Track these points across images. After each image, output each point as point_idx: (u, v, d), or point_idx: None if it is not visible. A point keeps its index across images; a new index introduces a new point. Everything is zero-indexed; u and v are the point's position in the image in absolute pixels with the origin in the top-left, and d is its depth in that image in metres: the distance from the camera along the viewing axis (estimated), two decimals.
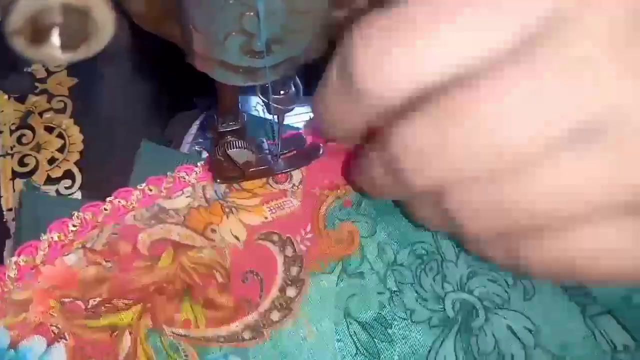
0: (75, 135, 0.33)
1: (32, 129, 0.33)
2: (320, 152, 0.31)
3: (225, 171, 0.29)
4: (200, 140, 0.33)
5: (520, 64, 0.17)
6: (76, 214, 0.28)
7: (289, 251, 0.28)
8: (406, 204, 0.26)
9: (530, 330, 0.27)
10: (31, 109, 0.34)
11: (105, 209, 0.28)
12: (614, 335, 0.27)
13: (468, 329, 0.27)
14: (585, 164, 0.17)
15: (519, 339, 0.27)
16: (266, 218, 0.29)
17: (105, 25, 0.13)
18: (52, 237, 0.27)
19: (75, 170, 0.32)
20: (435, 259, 0.29)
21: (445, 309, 0.27)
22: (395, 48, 0.18)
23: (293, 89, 0.26)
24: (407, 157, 0.20)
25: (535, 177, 0.18)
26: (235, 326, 0.26)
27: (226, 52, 0.21)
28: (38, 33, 0.12)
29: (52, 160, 0.32)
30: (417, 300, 0.28)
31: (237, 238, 0.28)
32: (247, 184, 0.30)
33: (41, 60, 0.13)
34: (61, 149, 0.32)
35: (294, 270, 0.28)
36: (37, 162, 0.32)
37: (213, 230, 0.28)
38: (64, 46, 0.13)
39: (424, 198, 0.22)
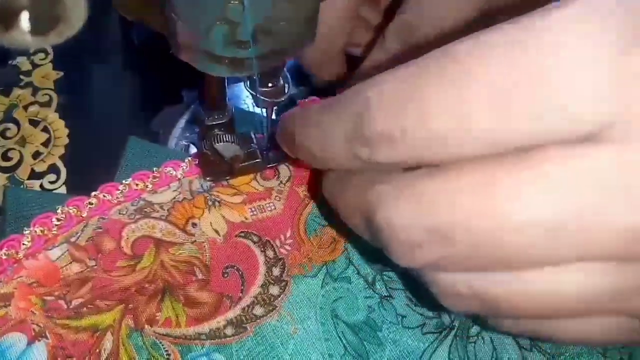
0: (61, 129, 0.32)
1: (17, 123, 0.32)
2: None
3: (212, 165, 0.28)
4: (188, 134, 0.32)
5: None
6: (61, 208, 0.27)
7: (270, 253, 0.27)
8: None
9: None
10: (16, 102, 0.33)
11: (90, 203, 0.27)
12: None
13: (465, 335, 0.26)
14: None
15: (516, 342, 0.26)
16: (246, 219, 0.28)
17: (76, 10, 0.13)
18: (35, 231, 0.26)
19: (60, 164, 0.31)
20: None
21: (440, 316, 0.27)
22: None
23: (281, 81, 0.26)
24: (395, 242, 0.18)
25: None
26: (216, 322, 0.25)
27: (210, 42, 0.20)
28: (6, 18, 0.12)
29: (36, 155, 0.31)
30: (408, 306, 0.27)
31: (217, 232, 0.27)
32: (233, 180, 0.29)
33: (10, 46, 0.12)
34: (46, 143, 0.31)
35: (276, 271, 0.27)
36: (22, 156, 0.31)
37: (194, 225, 0.28)
38: (34, 31, 0.13)
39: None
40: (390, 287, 0.27)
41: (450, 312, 0.25)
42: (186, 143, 0.31)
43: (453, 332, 0.26)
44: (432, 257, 0.18)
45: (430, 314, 0.27)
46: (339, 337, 0.25)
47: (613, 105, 0.15)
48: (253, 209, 0.28)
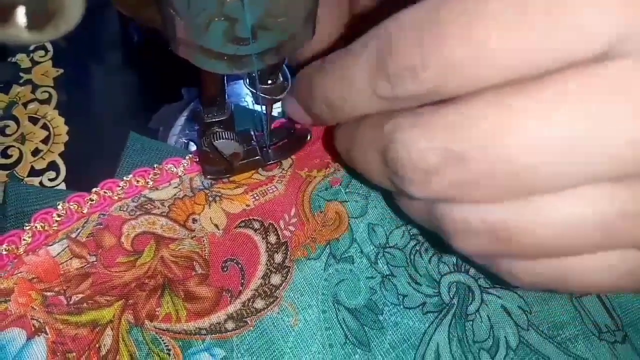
0: (60, 126, 0.32)
1: (16, 120, 0.32)
2: (309, 138, 0.30)
3: (212, 163, 0.28)
4: (187, 131, 0.31)
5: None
6: (61, 204, 0.27)
7: (272, 238, 0.27)
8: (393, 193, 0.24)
9: (524, 310, 0.27)
10: (15, 100, 0.33)
11: (91, 200, 0.27)
12: (598, 317, 0.27)
13: (463, 313, 0.26)
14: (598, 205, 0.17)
15: (513, 320, 0.26)
16: (248, 206, 0.28)
17: (73, 4, 0.12)
18: (36, 227, 0.26)
19: (60, 162, 0.30)
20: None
21: (440, 293, 0.26)
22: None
23: (281, 78, 0.25)
24: (411, 171, 0.18)
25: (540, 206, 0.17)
26: (216, 317, 0.25)
27: (209, 39, 0.20)
28: (1, 12, 0.12)
29: (36, 152, 0.31)
30: (410, 285, 0.26)
31: (216, 226, 0.27)
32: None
33: (6, 41, 0.12)
34: (45, 140, 0.31)
35: (278, 258, 0.27)
36: (21, 153, 0.30)
37: (194, 220, 0.27)
38: (30, 26, 0.12)
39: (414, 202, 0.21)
40: (392, 265, 0.27)
41: (462, 257, 0.25)
42: (186, 140, 0.31)
43: (452, 311, 0.26)
44: (447, 183, 0.18)
45: (431, 291, 0.26)
46: (340, 324, 0.25)
47: (627, 19, 0.15)
48: (255, 195, 0.28)
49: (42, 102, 0.33)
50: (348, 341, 0.25)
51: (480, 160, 0.17)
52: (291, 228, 0.28)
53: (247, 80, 0.25)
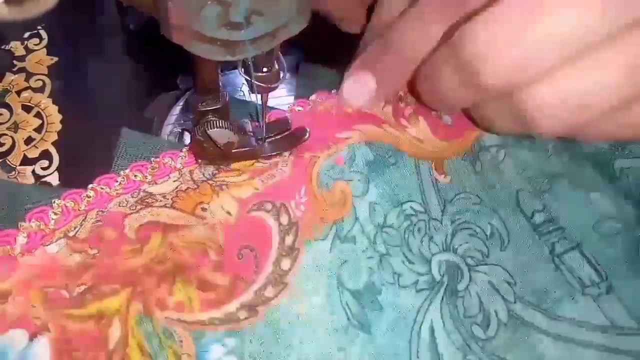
0: (54, 115, 0.30)
1: (9, 108, 0.30)
2: (306, 136, 0.28)
3: (206, 152, 0.26)
4: (182, 121, 0.30)
5: None
6: (57, 201, 0.25)
7: (284, 219, 0.26)
8: (473, 109, 0.26)
9: (509, 283, 0.27)
10: (8, 88, 0.31)
11: (88, 196, 0.25)
12: (581, 272, 0.27)
13: (454, 291, 0.26)
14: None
15: (501, 295, 0.26)
16: (257, 189, 0.26)
17: None
18: (31, 226, 0.24)
19: (53, 150, 0.29)
20: (423, 219, 0.27)
21: (431, 271, 0.26)
22: None
23: (276, 66, 0.24)
24: (482, 59, 0.20)
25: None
26: (230, 306, 0.23)
27: (202, 23, 0.19)
28: None
29: (29, 140, 0.29)
30: (404, 263, 0.26)
31: (228, 213, 0.26)
32: (235, 163, 0.28)
33: None
34: (39, 129, 0.30)
35: (289, 240, 0.26)
36: (14, 141, 0.29)
37: (204, 209, 0.26)
38: (8, 1, 0.12)
39: (494, 102, 0.23)
40: (388, 244, 0.27)
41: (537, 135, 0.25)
42: (180, 130, 0.30)
43: (443, 288, 0.26)
44: (511, 63, 0.20)
45: (423, 270, 0.26)
46: (343, 308, 0.25)
47: None
48: (263, 179, 0.27)
49: (35, 90, 0.31)
50: (350, 324, 0.24)
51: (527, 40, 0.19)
52: (302, 207, 0.26)
53: (242, 69, 0.25)
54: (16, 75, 0.32)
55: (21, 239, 0.24)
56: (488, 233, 0.28)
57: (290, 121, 0.29)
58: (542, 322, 0.26)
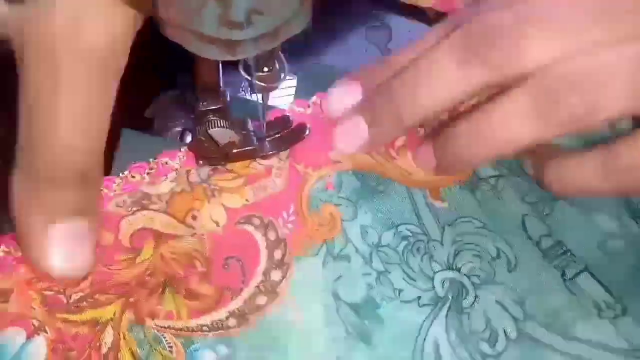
0: None
1: None
2: (307, 132, 0.28)
3: (207, 152, 0.26)
4: (183, 120, 0.29)
5: None
6: None
7: (271, 235, 0.26)
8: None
9: (518, 303, 0.26)
10: None
11: None
12: (595, 294, 0.26)
13: (458, 307, 0.25)
14: None
15: (510, 313, 0.26)
16: (247, 200, 0.27)
17: None
18: None
19: None
20: (421, 239, 0.27)
21: (434, 288, 0.26)
22: None
23: (277, 65, 0.24)
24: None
25: None
26: (218, 314, 0.24)
27: (202, 22, 0.19)
28: None
29: None
30: (404, 280, 0.26)
31: (216, 223, 0.26)
32: (231, 164, 0.28)
33: None
34: None
35: (278, 254, 0.26)
36: None
37: (194, 217, 0.26)
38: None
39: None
40: (386, 263, 0.26)
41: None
42: (180, 129, 0.30)
43: (447, 304, 0.26)
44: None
45: (425, 286, 0.26)
46: (342, 319, 0.25)
47: None
48: (254, 190, 0.27)
49: None
50: (350, 335, 0.24)
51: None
52: (290, 225, 0.27)
53: (242, 68, 0.25)
54: None
55: None
56: (494, 255, 0.27)
57: (291, 119, 0.29)
58: (555, 342, 0.25)
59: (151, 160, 0.28)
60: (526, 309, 0.26)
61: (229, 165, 0.28)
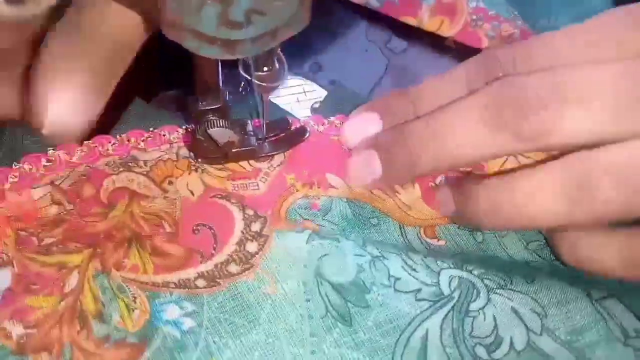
0: None
1: None
2: (307, 135, 0.28)
3: (206, 152, 0.26)
4: (183, 120, 0.31)
5: None
6: (51, 151, 0.27)
7: (249, 211, 0.25)
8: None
9: (538, 314, 0.24)
10: None
11: (82, 150, 0.27)
12: (624, 320, 0.24)
13: (464, 309, 0.23)
14: None
15: (524, 323, 0.23)
16: (226, 189, 0.27)
17: None
18: (24, 168, 0.26)
19: None
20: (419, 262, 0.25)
21: (439, 284, 0.24)
22: None
23: (277, 65, 0.24)
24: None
25: None
26: (185, 273, 0.24)
27: (201, 22, 0.19)
28: None
29: None
30: (404, 269, 0.24)
31: (191, 192, 0.26)
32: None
33: None
34: None
35: (256, 227, 0.25)
36: None
37: (170, 182, 0.26)
38: (10, 0, 0.12)
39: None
40: (382, 250, 0.24)
41: None
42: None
43: (451, 304, 0.24)
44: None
45: (429, 280, 0.24)
46: (322, 298, 0.23)
47: None
48: (235, 186, 0.27)
49: None
50: (329, 314, 0.23)
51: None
52: (269, 211, 0.26)
53: (242, 68, 0.25)
54: None
55: (13, 177, 0.26)
56: (508, 268, 0.25)
57: (290, 121, 0.29)
58: None
59: (151, 129, 0.28)
60: (546, 322, 0.23)
61: None
